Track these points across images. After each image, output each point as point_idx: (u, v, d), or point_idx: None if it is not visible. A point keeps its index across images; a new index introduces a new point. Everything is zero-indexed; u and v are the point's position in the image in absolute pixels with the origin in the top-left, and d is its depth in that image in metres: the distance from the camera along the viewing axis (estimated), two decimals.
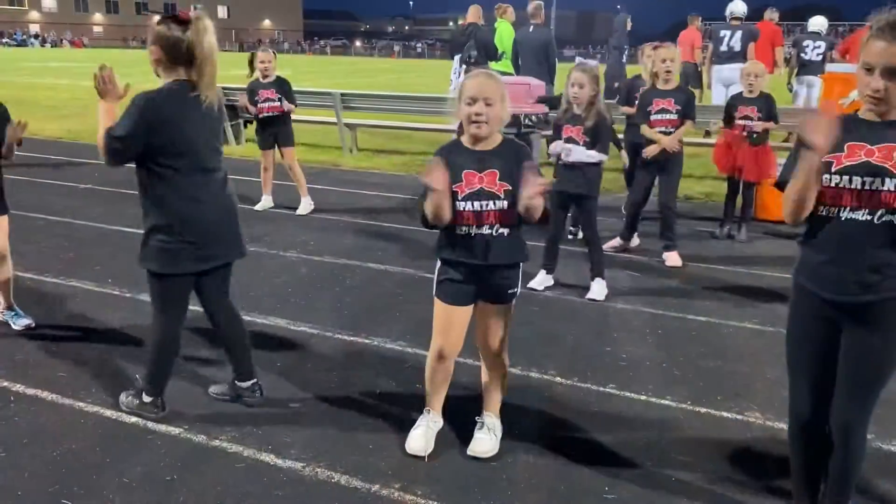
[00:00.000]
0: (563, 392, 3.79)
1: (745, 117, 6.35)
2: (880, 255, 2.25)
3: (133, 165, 3.12)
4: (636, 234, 6.35)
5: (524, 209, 2.75)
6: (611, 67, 12.10)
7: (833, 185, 2.28)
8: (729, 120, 6.45)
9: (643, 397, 3.75)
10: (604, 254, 5.32)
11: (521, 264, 3.03)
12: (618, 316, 4.86)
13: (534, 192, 2.68)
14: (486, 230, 2.88)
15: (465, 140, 2.94)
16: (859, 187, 2.24)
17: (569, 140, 4.99)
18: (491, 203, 2.85)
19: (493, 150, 2.90)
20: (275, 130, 7.24)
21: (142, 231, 3.20)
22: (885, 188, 2.20)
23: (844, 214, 2.27)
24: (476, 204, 2.85)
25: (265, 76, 7.12)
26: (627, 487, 2.98)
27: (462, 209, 2.85)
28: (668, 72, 5.73)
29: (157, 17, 3.06)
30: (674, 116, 5.73)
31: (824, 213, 2.32)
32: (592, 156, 4.96)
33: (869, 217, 2.24)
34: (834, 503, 2.57)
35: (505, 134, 2.98)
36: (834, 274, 2.33)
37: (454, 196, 2.84)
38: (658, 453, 3.23)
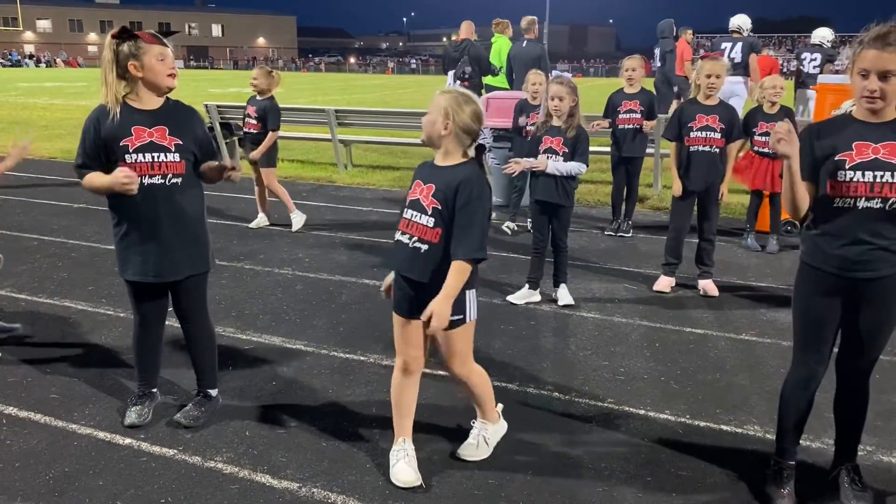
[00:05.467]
0: (561, 407, 3.76)
1: (766, 133, 6.23)
2: (892, 236, 2.63)
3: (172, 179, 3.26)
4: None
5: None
6: (667, 72, 11.99)
7: (848, 179, 2.63)
8: (748, 133, 6.37)
9: (642, 411, 3.72)
10: (568, 261, 5.39)
11: (466, 295, 2.93)
12: (615, 329, 4.85)
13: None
14: (405, 238, 2.92)
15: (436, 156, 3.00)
16: (871, 180, 2.60)
17: (548, 150, 5.05)
18: (418, 216, 2.88)
19: (448, 167, 2.91)
20: (252, 149, 7.21)
21: None
22: (894, 181, 2.57)
23: (861, 203, 2.63)
24: (408, 212, 2.92)
25: (261, 93, 7.12)
26: (627, 503, 2.95)
27: (403, 215, 2.95)
28: (712, 87, 5.27)
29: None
30: (718, 136, 5.29)
31: (840, 205, 2.66)
32: (572, 168, 5.02)
33: (882, 204, 2.61)
34: (849, 450, 2.99)
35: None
36: (852, 254, 2.67)
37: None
38: (657, 468, 3.20)
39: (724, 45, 10.62)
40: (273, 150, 7.25)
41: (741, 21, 10.61)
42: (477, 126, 2.90)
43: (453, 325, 2.93)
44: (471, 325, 3.02)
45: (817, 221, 2.77)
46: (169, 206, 3.23)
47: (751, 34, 10.74)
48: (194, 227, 3.35)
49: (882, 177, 2.58)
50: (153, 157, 3.17)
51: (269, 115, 7.06)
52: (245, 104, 7.35)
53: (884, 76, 2.52)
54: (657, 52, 11.89)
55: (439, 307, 2.73)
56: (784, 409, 2.98)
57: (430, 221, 2.83)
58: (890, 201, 2.59)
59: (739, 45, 10.35)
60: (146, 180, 3.18)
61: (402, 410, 3.12)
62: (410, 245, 2.88)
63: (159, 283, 3.35)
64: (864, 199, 2.61)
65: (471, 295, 2.97)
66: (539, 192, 5.17)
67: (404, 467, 3.05)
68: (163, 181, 3.20)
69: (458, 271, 2.77)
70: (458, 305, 2.91)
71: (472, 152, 2.94)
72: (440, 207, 2.81)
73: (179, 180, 3.24)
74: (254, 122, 7.12)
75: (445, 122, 2.87)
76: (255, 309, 5.12)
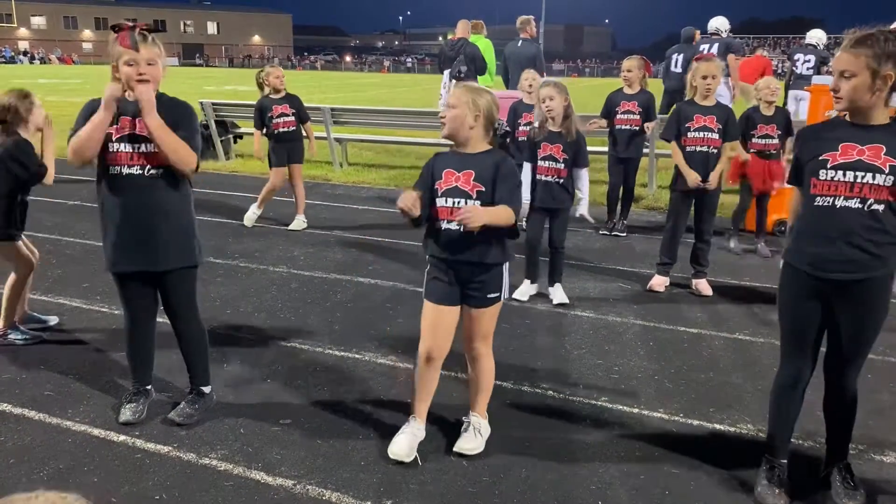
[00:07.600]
0: (556, 405, 3.77)
1: (766, 136, 6.25)
2: (868, 236, 2.64)
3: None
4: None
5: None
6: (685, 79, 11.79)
7: (829, 178, 2.67)
8: (746, 135, 6.28)
9: (636, 410, 3.74)
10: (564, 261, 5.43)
11: (504, 270, 3.10)
12: (609, 328, 4.86)
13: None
14: (453, 226, 2.98)
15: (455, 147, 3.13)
16: (852, 180, 2.64)
17: (547, 158, 5.05)
18: (462, 201, 2.97)
19: (480, 154, 3.04)
20: (289, 147, 7.15)
21: None
22: (875, 182, 2.61)
23: (839, 203, 2.66)
24: (449, 200, 3.00)
25: (278, 91, 7.07)
26: (620, 501, 2.97)
27: (438, 205, 3.03)
28: (709, 89, 5.28)
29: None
30: (716, 136, 5.30)
31: (821, 204, 2.70)
32: (585, 180, 5.08)
33: (860, 205, 2.63)
34: (840, 449, 3.01)
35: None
36: (827, 253, 2.70)
37: (434, 192, 3.03)
38: (651, 466, 3.21)
39: (702, 46, 10.70)
40: (303, 145, 7.33)
41: (719, 23, 10.75)
42: (497, 114, 3.06)
43: (490, 302, 3.11)
44: (501, 304, 3.17)
45: (799, 220, 2.83)
46: (149, 197, 3.25)
47: (730, 35, 10.86)
48: (178, 219, 3.34)
49: (863, 177, 2.62)
50: (133, 148, 3.20)
51: (302, 109, 7.17)
52: (262, 106, 7.04)
53: (842, 75, 2.62)
54: (678, 57, 11.37)
55: (478, 212, 2.84)
56: (774, 407, 3.01)
57: (478, 204, 2.95)
58: (868, 202, 2.62)
59: (716, 45, 10.45)
60: (125, 170, 3.21)
61: (420, 395, 3.27)
62: (463, 230, 2.96)
63: (146, 275, 3.36)
64: (842, 198, 2.65)
65: (507, 271, 3.12)
66: (540, 199, 5.16)
67: (400, 440, 3.19)
68: (141, 172, 3.22)
69: (506, 211, 2.93)
70: (497, 282, 3.10)
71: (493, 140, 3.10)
72: (484, 190, 2.97)
73: (159, 172, 3.24)
74: (291, 118, 7.04)
75: (476, 115, 2.99)
76: (250, 307, 5.12)
